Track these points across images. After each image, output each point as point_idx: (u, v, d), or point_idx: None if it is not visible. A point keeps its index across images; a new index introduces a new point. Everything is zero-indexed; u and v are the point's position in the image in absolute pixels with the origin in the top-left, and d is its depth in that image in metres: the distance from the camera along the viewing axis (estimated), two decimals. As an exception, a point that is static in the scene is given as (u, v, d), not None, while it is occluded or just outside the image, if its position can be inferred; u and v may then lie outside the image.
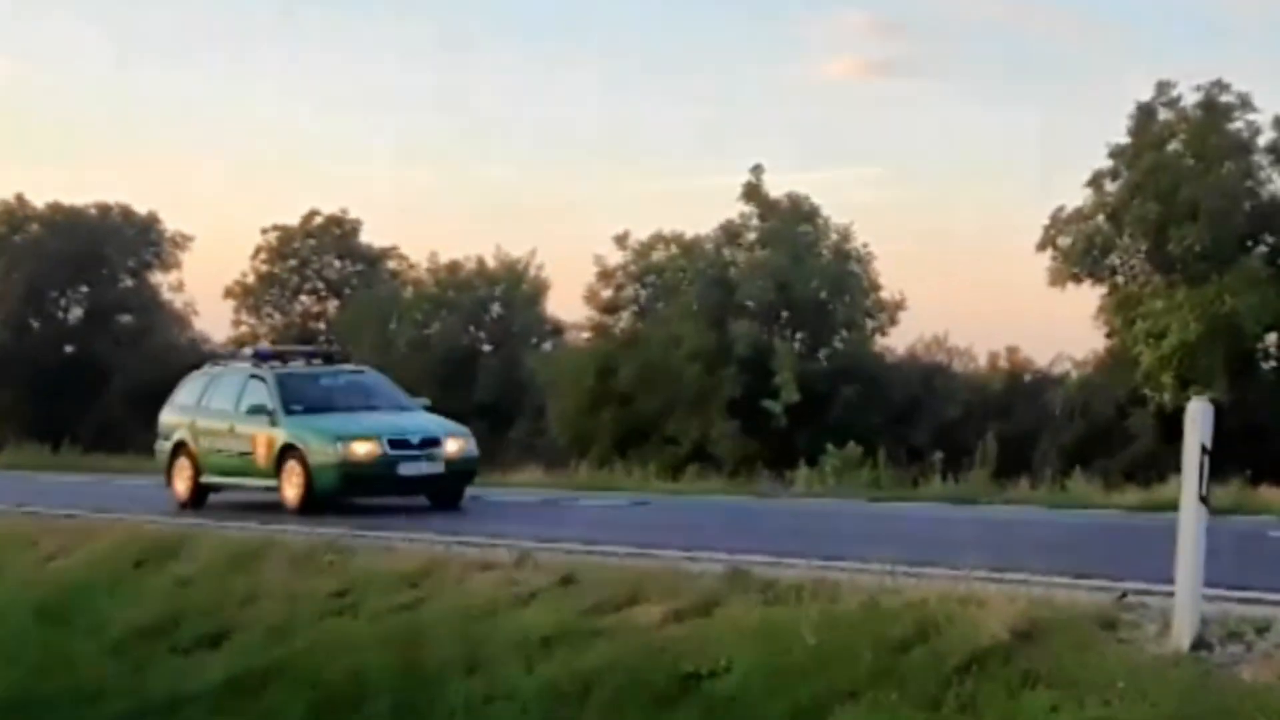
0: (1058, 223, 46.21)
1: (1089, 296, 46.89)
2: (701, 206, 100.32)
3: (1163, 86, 45.92)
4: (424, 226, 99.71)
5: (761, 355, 52.54)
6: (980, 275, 76.51)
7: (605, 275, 56.83)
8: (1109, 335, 46.91)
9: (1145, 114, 45.46)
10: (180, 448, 24.79)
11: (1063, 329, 74.77)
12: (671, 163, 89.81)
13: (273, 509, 22.17)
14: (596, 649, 12.23)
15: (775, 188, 55.11)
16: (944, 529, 19.00)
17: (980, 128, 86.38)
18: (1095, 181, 45.72)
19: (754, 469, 40.59)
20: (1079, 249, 45.58)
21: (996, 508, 21.48)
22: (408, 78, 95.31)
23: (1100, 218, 45.49)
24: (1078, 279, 46.00)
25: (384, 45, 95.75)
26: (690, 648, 11.71)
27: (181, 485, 24.49)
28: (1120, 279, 46.17)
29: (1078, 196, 46.07)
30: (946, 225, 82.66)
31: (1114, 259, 45.97)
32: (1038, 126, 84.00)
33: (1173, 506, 21.50)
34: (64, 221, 74.02)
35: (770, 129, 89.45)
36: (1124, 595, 10.90)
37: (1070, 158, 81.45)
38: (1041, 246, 46.26)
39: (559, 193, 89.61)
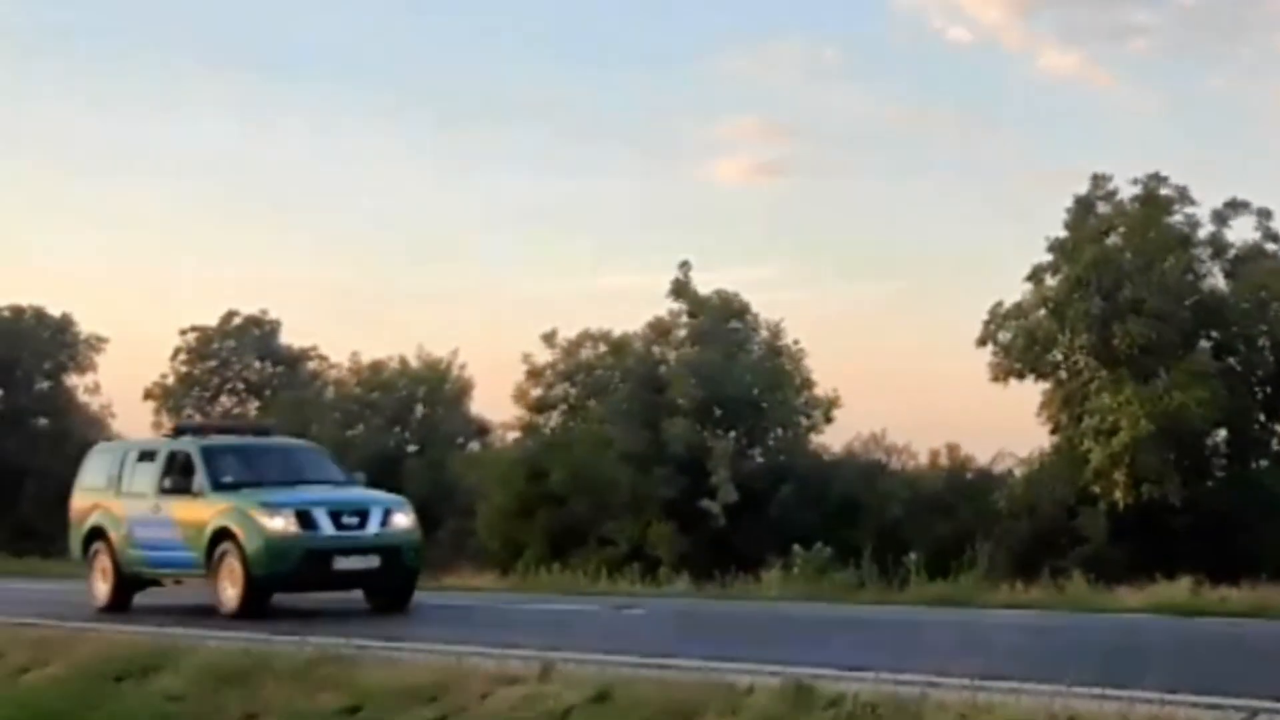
0: (997, 318, 45.68)
1: (1030, 392, 46.37)
2: (610, 305, 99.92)
3: (1099, 180, 45.67)
4: (343, 326, 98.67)
5: (696, 454, 51.71)
6: (911, 372, 76.06)
7: (534, 374, 55.92)
8: (1054, 432, 46.26)
9: (1083, 208, 45.08)
10: None
11: (1004, 425, 74.35)
12: (579, 263, 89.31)
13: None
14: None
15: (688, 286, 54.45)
16: (985, 636, 17.97)
17: (885, 226, 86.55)
18: (1035, 276, 45.25)
19: (696, 569, 39.72)
20: (1020, 344, 45.03)
21: (1012, 612, 20.51)
22: (324, 179, 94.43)
23: (1041, 312, 44.96)
24: (1019, 374, 45.44)
25: (305, 147, 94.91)
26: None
27: None
28: (1064, 374, 45.63)
29: (1010, 291, 45.64)
30: (867, 322, 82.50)
31: (1056, 354, 45.42)
32: (948, 223, 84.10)
33: (1183, 609, 20.84)
34: (-23, 324, 72.97)
35: (676, 230, 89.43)
36: (1255, 715, 10.01)
37: (986, 252, 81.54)
38: (981, 342, 45.73)
39: (477, 291, 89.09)
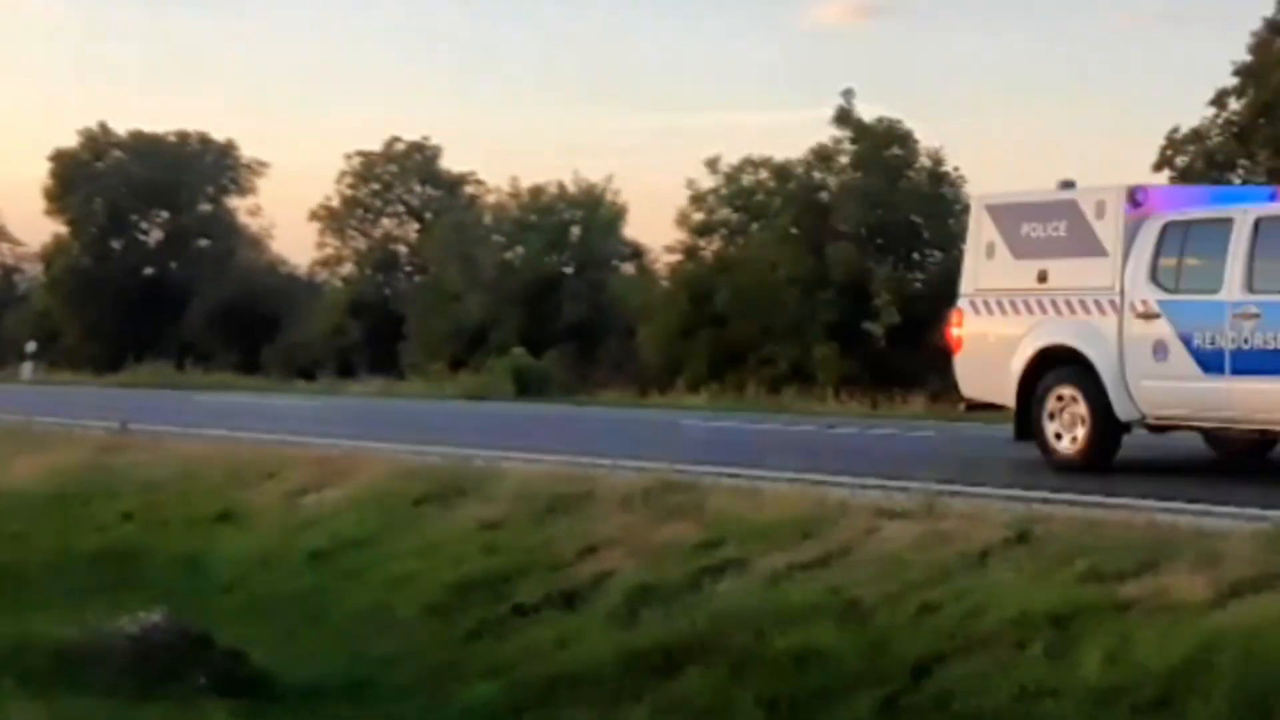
0: (1174, 142, 42.83)
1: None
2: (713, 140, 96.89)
3: (1286, 1, 42.50)
4: (500, 154, 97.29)
5: (858, 278, 49.45)
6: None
7: (696, 198, 53.72)
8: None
9: (1271, 30, 41.97)
10: None
11: None
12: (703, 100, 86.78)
13: None
14: (1145, 634, 8.97)
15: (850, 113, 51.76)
16: None
17: (996, 65, 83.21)
18: (1218, 100, 42.27)
19: (861, 391, 37.73)
20: (1199, 169, 42.18)
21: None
22: (483, 9, 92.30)
23: (1221, 137, 42.09)
24: (1199, 199, 42.58)
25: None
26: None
27: None
28: (1244, 197, 42.80)
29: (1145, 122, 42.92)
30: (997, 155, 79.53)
31: (1236, 179, 42.56)
32: (1061, 61, 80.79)
33: None
34: (144, 148, 72.01)
35: (782, 68, 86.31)
36: None
37: (1106, 87, 78.25)
38: (1159, 166, 42.93)
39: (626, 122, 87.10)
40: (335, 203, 67.28)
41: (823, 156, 52.49)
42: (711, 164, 53.15)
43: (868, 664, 9.64)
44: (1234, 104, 42.08)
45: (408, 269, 67.81)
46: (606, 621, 11.24)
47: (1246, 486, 13.48)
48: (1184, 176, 42.30)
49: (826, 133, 52.21)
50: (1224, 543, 9.89)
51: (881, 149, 51.74)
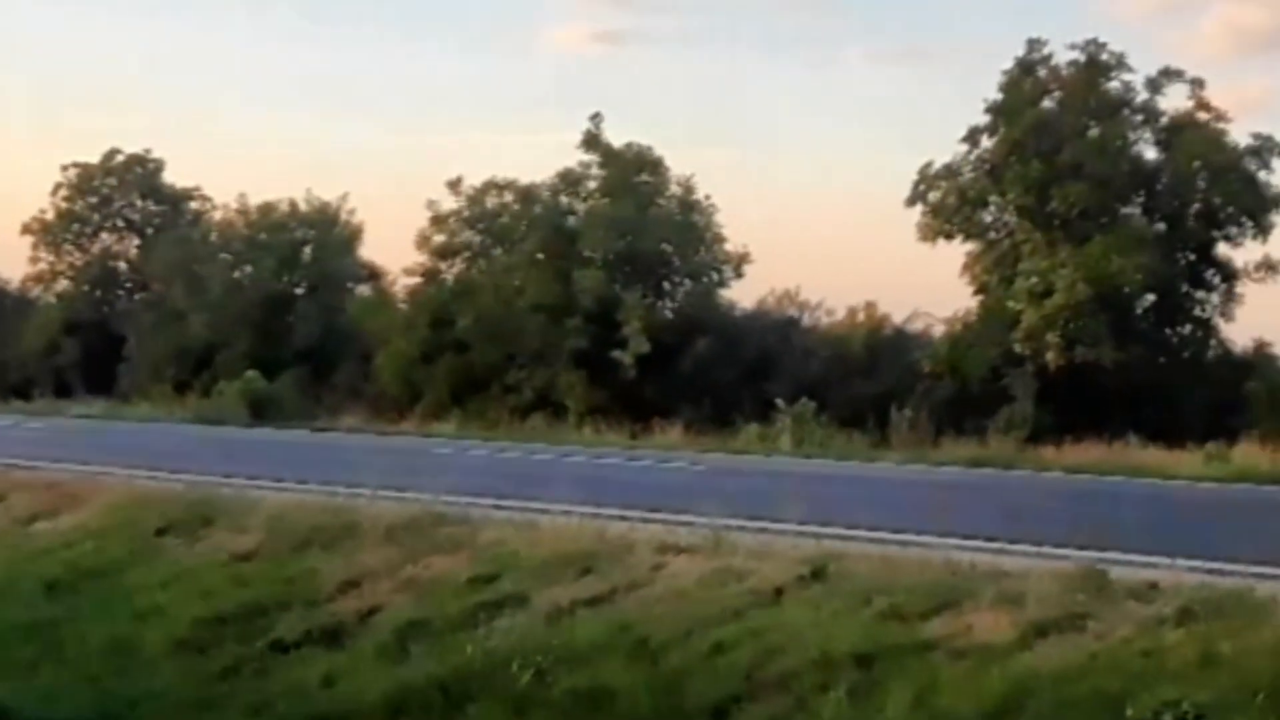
0: (927, 178, 43.42)
1: (946, 253, 44.14)
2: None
3: (1035, 44, 43.37)
4: (229, 172, 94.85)
5: (607, 306, 49.32)
6: (816, 233, 73.40)
7: (438, 220, 53.06)
8: (979, 292, 44.07)
9: (1023, 70, 42.81)
10: None
11: (920, 286, 71.52)
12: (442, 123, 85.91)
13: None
14: (953, 676, 8.86)
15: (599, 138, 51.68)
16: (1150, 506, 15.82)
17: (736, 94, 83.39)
18: (971, 137, 42.95)
19: (609, 420, 37.64)
20: (951, 204, 42.86)
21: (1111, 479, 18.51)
22: (213, 19, 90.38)
23: (973, 173, 42.77)
24: (949, 235, 43.26)
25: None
26: (1108, 678, 8.43)
27: None
28: (994, 235, 43.57)
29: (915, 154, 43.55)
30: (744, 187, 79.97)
31: (987, 215, 43.40)
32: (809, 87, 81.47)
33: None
34: None
35: (529, 93, 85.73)
36: None
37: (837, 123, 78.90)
38: (911, 202, 43.41)
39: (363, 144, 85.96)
40: (50, 216, 65.10)
41: (570, 181, 52.26)
42: (453, 185, 52.58)
43: (661, 704, 9.40)
44: (986, 141, 42.77)
45: (128, 286, 65.87)
46: (376, 658, 10.86)
47: (1044, 523, 13.56)
48: (936, 212, 43.05)
49: (575, 157, 52.12)
50: (1025, 582, 9.84)
51: (631, 175, 51.71)
